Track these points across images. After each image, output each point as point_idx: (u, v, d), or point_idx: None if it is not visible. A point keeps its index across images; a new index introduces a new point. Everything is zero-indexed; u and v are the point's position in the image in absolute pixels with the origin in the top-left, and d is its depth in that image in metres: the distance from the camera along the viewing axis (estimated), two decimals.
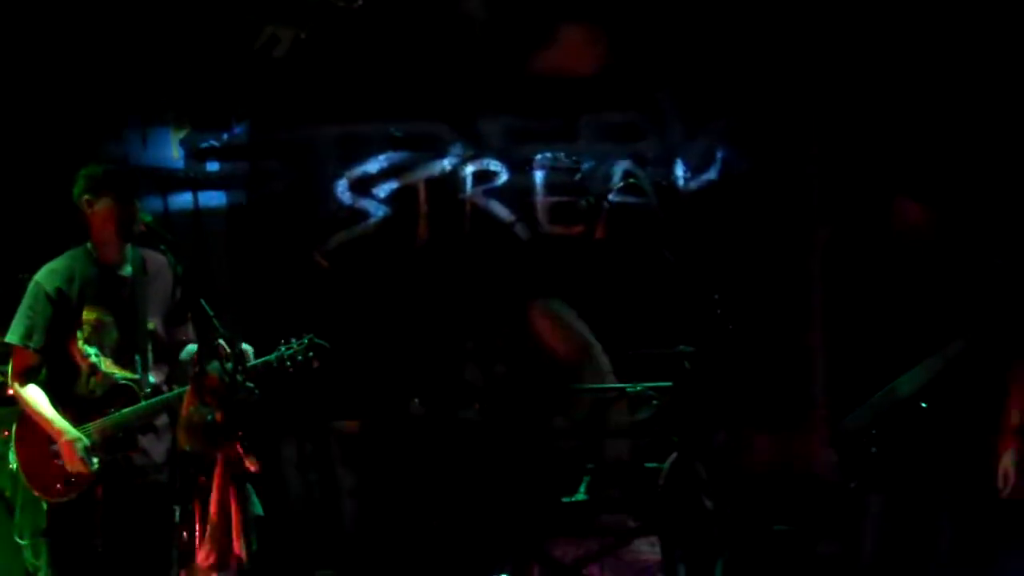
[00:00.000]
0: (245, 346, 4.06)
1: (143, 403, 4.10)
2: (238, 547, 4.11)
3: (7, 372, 4.24)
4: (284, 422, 5.23)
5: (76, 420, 4.10)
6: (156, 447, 4.18)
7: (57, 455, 4.08)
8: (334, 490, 5.54)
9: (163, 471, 4.16)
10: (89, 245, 4.16)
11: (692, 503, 4.99)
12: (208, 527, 4.09)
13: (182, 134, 5.99)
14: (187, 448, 4.13)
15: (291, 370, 4.06)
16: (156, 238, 4.11)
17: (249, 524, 4.22)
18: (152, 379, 4.17)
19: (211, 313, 3.96)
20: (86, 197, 4.10)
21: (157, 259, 4.19)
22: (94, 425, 4.09)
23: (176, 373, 4.20)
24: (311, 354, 4.06)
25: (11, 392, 4.19)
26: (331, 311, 5.63)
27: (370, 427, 5.49)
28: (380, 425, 5.45)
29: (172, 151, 6.01)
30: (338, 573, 5.16)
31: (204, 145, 6.04)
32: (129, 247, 4.16)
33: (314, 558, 5.20)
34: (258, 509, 4.27)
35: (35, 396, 4.12)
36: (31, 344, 4.10)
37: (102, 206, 4.09)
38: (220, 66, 5.82)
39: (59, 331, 4.10)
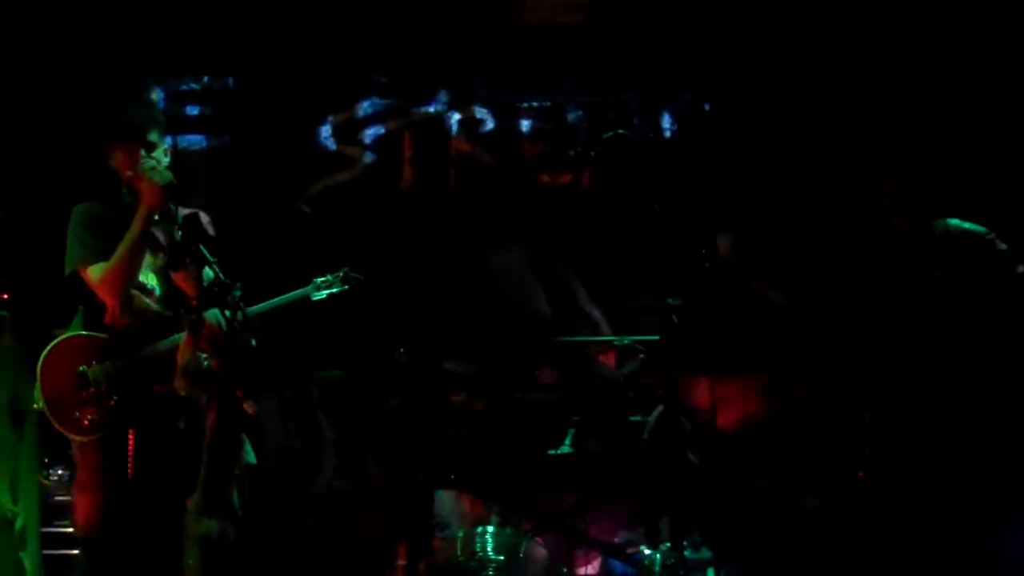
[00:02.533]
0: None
1: (174, 336, 4.08)
2: (230, 492, 4.11)
3: None
4: (268, 371, 5.18)
5: (111, 351, 4.07)
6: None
7: (83, 386, 4.05)
8: (317, 440, 5.52)
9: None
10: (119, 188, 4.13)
11: (676, 457, 5.01)
12: (201, 473, 4.08)
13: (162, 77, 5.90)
14: (183, 393, 4.11)
15: (329, 305, 4.10)
16: None
17: (241, 472, 4.21)
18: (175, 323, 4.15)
19: (210, 259, 3.93)
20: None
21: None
22: (123, 361, 4.07)
23: None
24: (346, 287, 4.10)
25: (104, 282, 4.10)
26: (314, 258, 5.57)
27: (353, 377, 5.46)
28: (364, 375, 5.42)
29: (152, 93, 5.93)
30: (320, 523, 5.15)
31: (184, 88, 5.94)
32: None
33: (297, 508, 5.19)
34: (251, 457, 4.26)
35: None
36: (93, 260, 4.07)
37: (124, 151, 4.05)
38: (203, 9, 5.72)
39: (101, 252, 4.07)
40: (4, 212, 5.15)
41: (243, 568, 4.36)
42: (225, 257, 4.53)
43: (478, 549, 4.54)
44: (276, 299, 4.25)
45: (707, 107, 6.16)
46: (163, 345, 4.13)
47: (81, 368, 4.07)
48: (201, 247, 3.94)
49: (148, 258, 4.19)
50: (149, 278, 4.18)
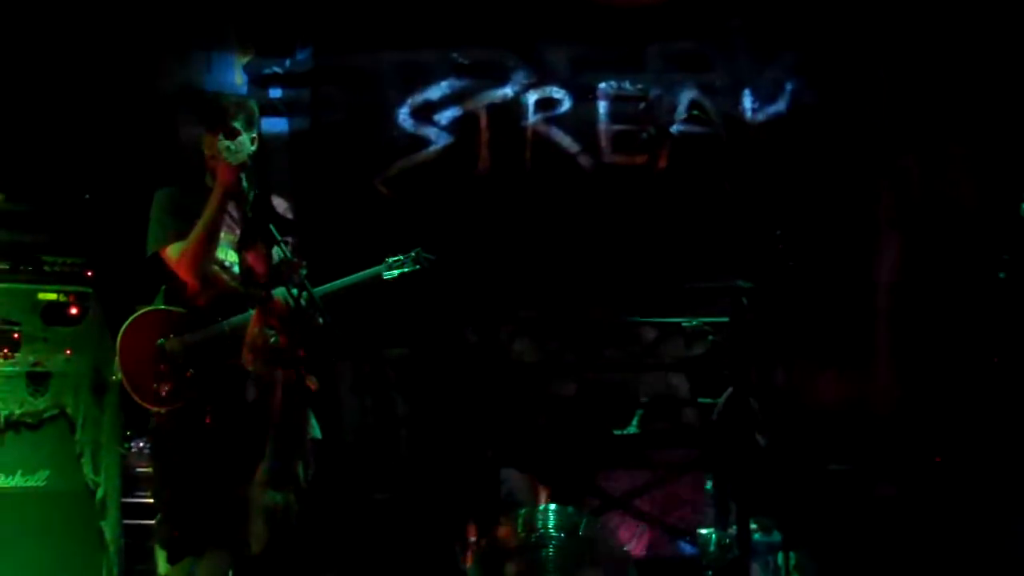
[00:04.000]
0: None
1: (251, 311, 4.18)
2: (296, 466, 4.19)
3: None
4: (342, 347, 5.27)
5: (188, 325, 4.19)
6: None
7: (160, 359, 4.17)
8: (390, 416, 5.59)
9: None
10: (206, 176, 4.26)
11: (745, 439, 4.98)
12: (268, 446, 4.17)
13: (246, 60, 6.00)
14: (250, 368, 4.21)
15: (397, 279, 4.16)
16: None
17: (307, 446, 4.29)
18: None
19: (279, 238, 4.02)
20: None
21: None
22: (202, 335, 4.18)
23: None
24: (418, 267, 4.17)
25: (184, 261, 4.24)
26: (392, 239, 5.64)
27: (424, 354, 5.52)
28: (434, 353, 5.48)
29: (236, 77, 6.03)
30: (393, 498, 5.22)
31: (267, 71, 6.04)
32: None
33: (370, 483, 5.26)
34: (316, 432, 4.35)
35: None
36: (171, 242, 4.21)
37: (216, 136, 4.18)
38: None
39: (179, 236, 4.20)
40: (89, 193, 5.32)
41: (309, 540, 4.46)
42: (304, 238, 4.65)
43: (539, 526, 4.56)
44: (348, 277, 4.32)
45: (790, 87, 6.05)
46: (237, 320, 4.24)
47: (160, 341, 4.20)
48: (271, 227, 4.04)
49: (227, 236, 4.30)
50: (228, 255, 4.28)
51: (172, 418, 4.22)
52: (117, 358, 4.27)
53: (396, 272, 4.33)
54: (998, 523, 4.64)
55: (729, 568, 4.21)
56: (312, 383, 4.12)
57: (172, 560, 4.23)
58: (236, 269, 4.31)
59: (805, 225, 5.48)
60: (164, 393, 4.19)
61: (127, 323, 4.27)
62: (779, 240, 5.04)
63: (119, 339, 4.28)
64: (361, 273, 4.33)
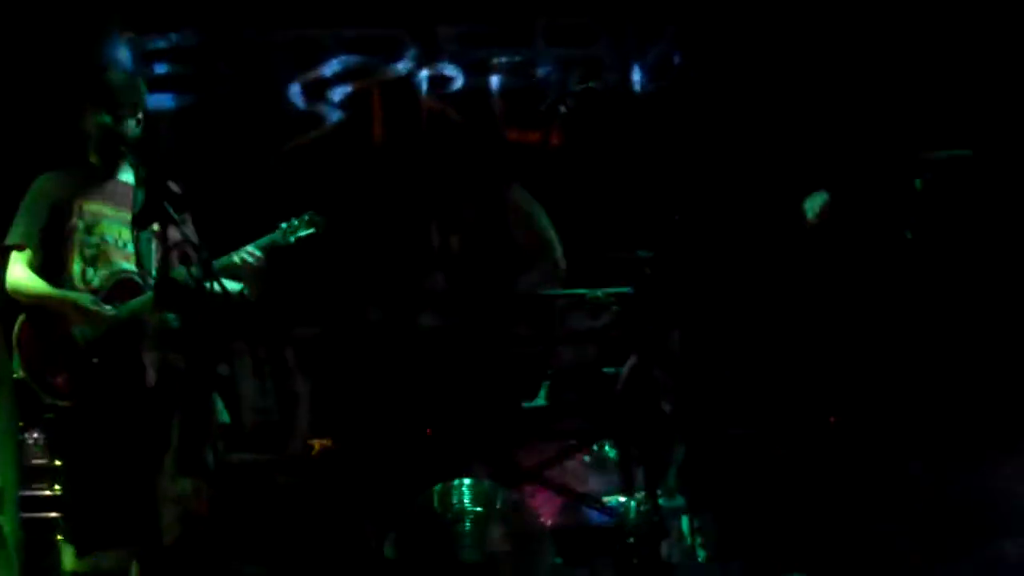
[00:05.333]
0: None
1: (147, 295, 4.09)
2: (204, 453, 4.13)
3: None
4: (241, 328, 5.19)
5: (78, 316, 4.09)
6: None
7: (62, 349, 4.07)
8: (291, 398, 5.53)
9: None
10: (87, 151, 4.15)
11: (650, 407, 5.05)
12: (173, 433, 4.10)
13: (130, 35, 5.86)
14: (151, 354, 4.12)
15: (295, 244, 4.13)
16: (116, 139, 4.11)
17: (214, 431, 4.23)
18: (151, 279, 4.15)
19: (176, 218, 3.93)
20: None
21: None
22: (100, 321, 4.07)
23: None
24: (312, 229, 4.14)
25: (11, 294, 4.15)
26: (286, 217, 5.57)
27: (328, 334, 5.47)
28: (338, 332, 5.43)
29: (120, 52, 5.89)
30: (295, 482, 5.16)
31: (152, 47, 5.90)
32: (128, 155, 4.16)
33: (274, 467, 5.20)
34: (224, 416, 4.28)
35: (32, 282, 4.11)
36: (29, 242, 4.10)
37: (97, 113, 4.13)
38: None
39: (57, 225, 4.09)
40: None
41: (220, 526, 4.39)
42: (194, 217, 4.54)
43: (455, 501, 4.58)
44: (245, 248, 4.25)
45: (677, 60, 6.15)
46: (135, 305, 4.14)
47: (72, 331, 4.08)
48: (166, 206, 3.95)
49: (119, 213, 4.19)
50: (121, 234, 4.18)
51: (72, 409, 4.12)
52: (16, 354, 4.15)
53: (292, 238, 4.30)
54: (887, 475, 4.83)
55: (650, 534, 4.28)
56: (220, 370, 4.06)
57: (81, 553, 4.13)
58: (130, 248, 4.20)
59: (700, 194, 5.59)
60: (64, 385, 4.09)
61: (23, 316, 4.14)
62: (675, 212, 5.12)
63: (16, 333, 4.15)
64: (258, 241, 4.28)
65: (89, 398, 4.09)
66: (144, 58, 5.90)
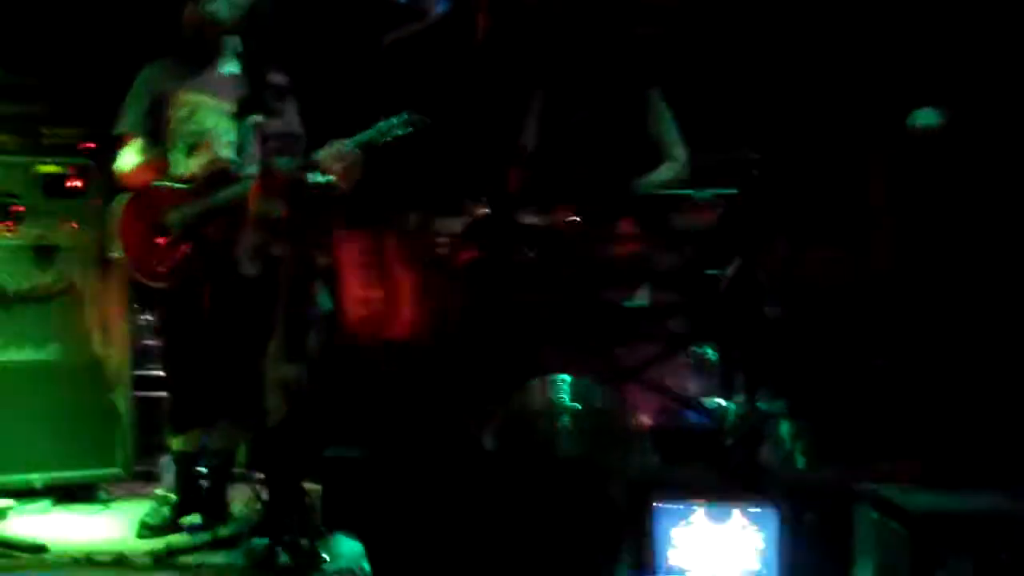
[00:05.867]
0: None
1: (244, 184, 4.16)
2: (308, 340, 4.21)
3: None
4: (349, 219, 5.22)
5: (177, 200, 4.18)
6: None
7: (161, 234, 4.17)
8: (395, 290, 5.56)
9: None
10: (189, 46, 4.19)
11: (753, 310, 4.99)
12: (277, 321, 4.18)
13: None
14: (256, 242, 4.19)
15: (391, 143, 4.14)
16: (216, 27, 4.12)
17: (317, 318, 4.30)
18: (252, 169, 4.21)
19: (276, 107, 3.96)
20: None
21: (270, 72, 4.21)
22: (197, 207, 4.16)
23: None
24: (409, 129, 4.14)
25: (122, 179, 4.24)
26: (387, 111, 5.55)
27: (427, 227, 5.46)
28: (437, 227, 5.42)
29: None
30: (405, 370, 5.20)
31: None
32: (232, 48, 4.18)
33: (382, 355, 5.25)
34: (327, 303, 4.35)
35: (136, 166, 4.21)
36: (136, 129, 4.19)
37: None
38: None
39: (159, 114, 4.17)
40: (90, 63, 5.21)
41: (323, 410, 4.49)
42: (302, 107, 4.57)
43: (554, 397, 4.60)
44: (344, 141, 4.27)
45: None
46: (229, 193, 4.19)
47: (165, 217, 4.17)
48: (268, 97, 3.97)
49: (223, 104, 4.24)
50: (220, 123, 4.23)
51: (167, 292, 4.23)
52: (117, 234, 4.26)
53: (387, 137, 4.30)
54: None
55: (748, 437, 4.26)
56: (321, 258, 4.11)
57: (177, 429, 4.26)
58: (229, 137, 4.25)
59: (812, 97, 5.41)
60: (162, 270, 4.19)
61: (126, 198, 4.24)
62: (787, 110, 4.98)
63: (119, 215, 4.26)
64: (355, 137, 4.29)
65: (182, 282, 4.18)
66: None
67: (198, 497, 4.49)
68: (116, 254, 4.33)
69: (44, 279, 4.86)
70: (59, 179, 4.94)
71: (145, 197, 4.27)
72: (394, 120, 4.26)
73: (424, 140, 5.29)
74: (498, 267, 5.19)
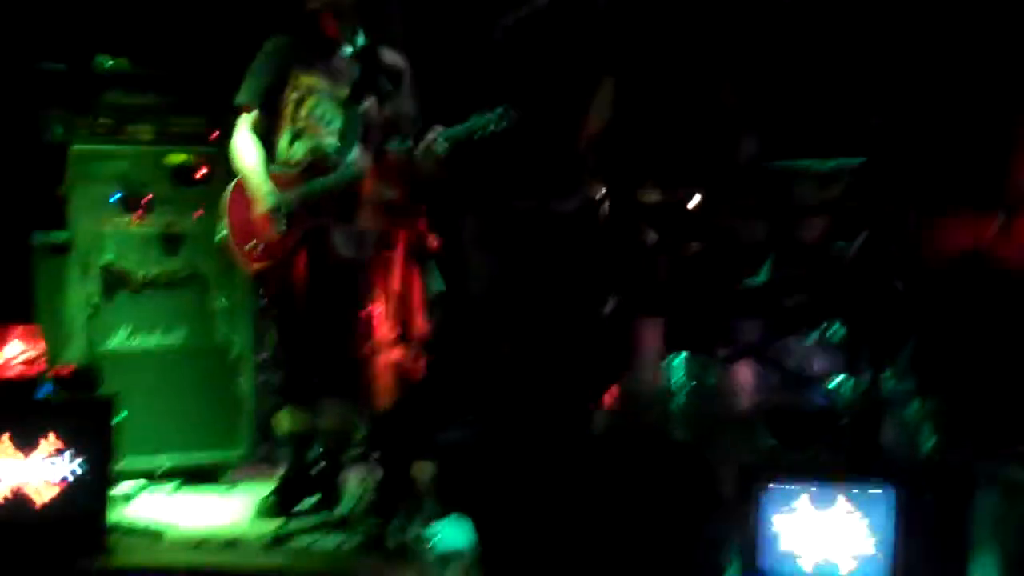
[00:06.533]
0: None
1: (345, 172, 4.18)
2: (421, 322, 4.22)
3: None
4: (465, 199, 5.22)
5: (278, 185, 4.24)
6: (349, 237, 4.26)
7: (256, 220, 4.25)
8: (516, 270, 5.54)
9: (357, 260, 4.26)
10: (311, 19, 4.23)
11: (882, 284, 4.82)
12: (390, 303, 4.21)
13: None
14: (369, 226, 4.22)
15: (484, 138, 4.09)
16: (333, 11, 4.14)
17: (432, 299, 4.32)
18: (354, 155, 4.23)
19: (390, 88, 3.97)
20: None
21: (391, 56, 4.24)
22: (295, 193, 4.21)
23: None
24: (504, 124, 4.07)
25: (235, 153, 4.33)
26: (509, 89, 5.52)
27: (549, 208, 5.41)
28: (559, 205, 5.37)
29: None
30: (520, 352, 5.19)
31: None
32: (359, 33, 4.20)
33: (497, 337, 5.24)
34: (439, 284, 4.36)
35: (251, 156, 4.28)
36: (253, 102, 4.26)
37: None
38: None
39: (277, 92, 4.23)
40: (214, 52, 5.31)
41: (438, 392, 4.51)
42: (419, 90, 4.57)
43: (670, 375, 4.53)
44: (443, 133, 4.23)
45: None
46: (330, 180, 4.20)
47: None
48: (382, 79, 3.98)
49: (337, 90, 4.26)
50: (326, 111, 4.26)
51: (275, 275, 4.27)
52: (224, 215, 4.34)
53: (480, 134, 4.20)
54: None
55: (867, 415, 4.11)
56: (434, 240, 4.11)
57: (286, 405, 4.29)
58: (337, 124, 4.26)
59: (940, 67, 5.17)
60: (258, 252, 4.25)
61: (234, 182, 4.32)
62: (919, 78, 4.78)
63: (227, 194, 4.34)
64: (448, 131, 4.21)
65: (281, 264, 4.23)
66: None
67: (313, 479, 4.56)
68: (222, 233, 4.41)
69: (171, 266, 5.01)
70: (187, 168, 5.08)
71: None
72: (489, 115, 4.18)
73: (533, 127, 5.26)
74: (625, 247, 5.12)
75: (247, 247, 4.32)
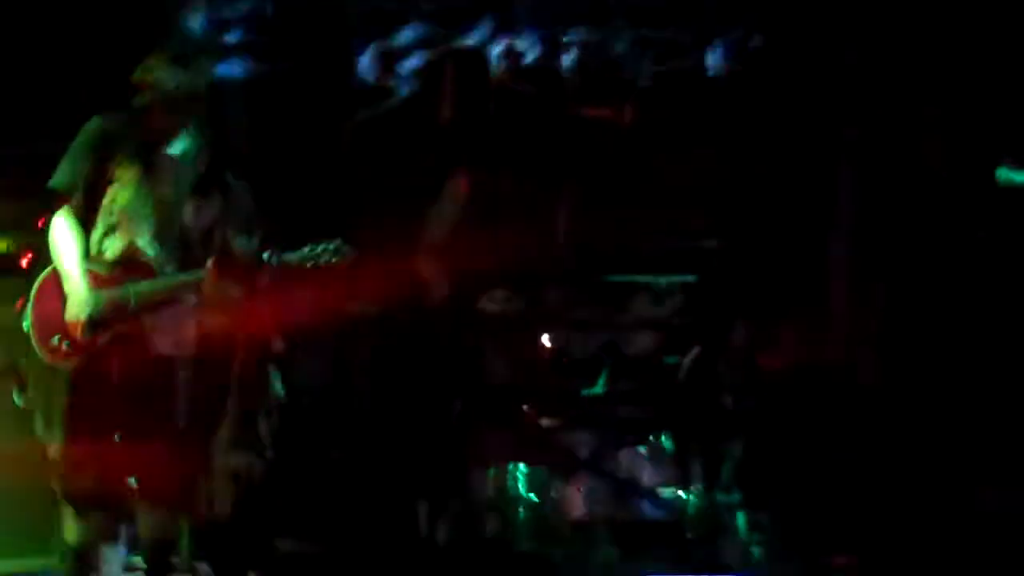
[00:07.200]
0: None
1: (162, 279, 4.00)
2: (259, 428, 4.11)
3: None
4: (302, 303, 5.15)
5: (92, 282, 4.04)
6: (171, 334, 4.08)
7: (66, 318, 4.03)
8: (347, 374, 5.48)
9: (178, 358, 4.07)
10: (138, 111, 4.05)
11: (711, 400, 4.97)
12: (231, 407, 4.08)
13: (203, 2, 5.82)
14: (211, 325, 4.09)
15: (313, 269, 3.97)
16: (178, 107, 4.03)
17: (271, 405, 4.20)
18: (168, 263, 4.05)
19: (236, 186, 3.89)
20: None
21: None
22: (107, 295, 4.01)
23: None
24: (334, 259, 3.96)
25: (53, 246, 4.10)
26: (353, 190, 5.52)
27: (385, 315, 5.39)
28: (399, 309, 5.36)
29: (194, 20, 5.86)
30: (352, 457, 5.10)
31: (226, 15, 5.87)
32: (186, 131, 4.06)
33: (328, 442, 5.15)
34: (279, 390, 4.25)
35: (69, 248, 4.05)
36: (72, 189, 4.04)
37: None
38: None
39: (93, 180, 4.03)
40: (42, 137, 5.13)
41: (273, 501, 4.37)
42: (259, 187, 4.49)
43: (510, 487, 4.53)
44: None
45: (754, 43, 6.00)
46: (146, 287, 4.02)
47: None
48: (227, 174, 3.90)
49: (158, 186, 4.08)
50: (141, 207, 4.07)
51: (84, 373, 4.05)
52: (30, 306, 4.11)
53: (317, 262, 4.09)
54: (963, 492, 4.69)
55: (709, 530, 4.20)
56: (277, 344, 4.02)
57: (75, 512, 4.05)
58: (152, 221, 4.08)
59: (767, 184, 5.44)
60: (63, 350, 4.04)
61: (44, 273, 4.11)
62: (747, 199, 5.01)
63: (38, 283, 4.12)
64: (283, 255, 4.09)
65: (89, 362, 4.03)
66: (217, 26, 5.86)
67: None
68: (24, 324, 4.17)
69: None
70: (8, 258, 4.83)
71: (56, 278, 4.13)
72: (326, 246, 4.07)
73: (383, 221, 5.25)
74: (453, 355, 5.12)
75: (52, 341, 4.07)
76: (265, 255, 3.89)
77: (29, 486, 4.67)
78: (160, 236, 4.03)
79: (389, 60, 5.92)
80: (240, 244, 3.96)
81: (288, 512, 4.45)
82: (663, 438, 5.05)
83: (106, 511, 4.04)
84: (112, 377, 3.97)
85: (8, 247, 4.81)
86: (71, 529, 4.10)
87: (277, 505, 4.34)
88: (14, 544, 4.67)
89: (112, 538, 4.09)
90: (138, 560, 4.34)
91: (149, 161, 4.06)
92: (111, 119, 4.10)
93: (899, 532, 4.79)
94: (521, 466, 4.59)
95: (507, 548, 4.35)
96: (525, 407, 4.94)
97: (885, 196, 5.44)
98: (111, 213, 4.04)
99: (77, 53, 5.37)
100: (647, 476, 5.05)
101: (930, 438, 5.00)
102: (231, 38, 5.88)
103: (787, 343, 5.38)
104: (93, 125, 4.09)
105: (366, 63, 5.91)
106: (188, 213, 4.04)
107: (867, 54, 5.72)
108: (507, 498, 4.49)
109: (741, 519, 4.82)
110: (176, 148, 4.07)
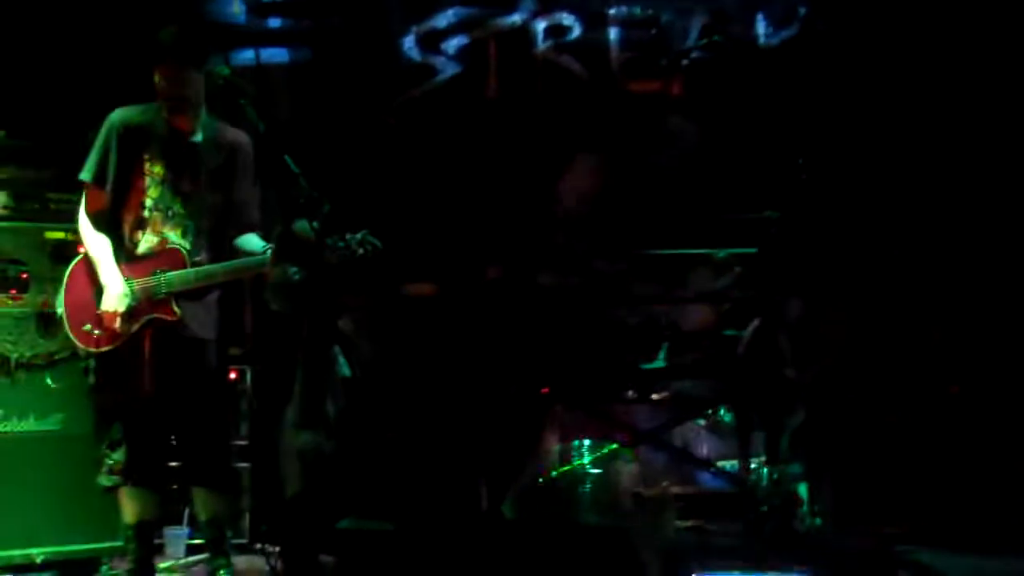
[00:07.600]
0: None
1: (190, 270, 4.01)
2: (325, 407, 4.10)
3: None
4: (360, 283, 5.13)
5: (124, 274, 4.05)
6: (203, 320, 4.08)
7: (99, 302, 4.04)
8: (409, 354, 5.46)
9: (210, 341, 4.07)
10: (160, 103, 4.06)
11: (772, 373, 4.92)
12: (298, 387, 4.07)
13: None
14: (275, 308, 4.08)
15: (336, 261, 3.95)
16: (235, 93, 4.00)
17: (336, 384, 4.19)
18: (198, 252, 4.06)
19: (296, 171, 3.87)
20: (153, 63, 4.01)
21: (234, 135, 4.10)
22: (138, 283, 4.03)
23: (223, 257, 4.08)
24: (361, 251, 3.93)
25: (83, 238, 4.13)
26: (400, 171, 5.51)
27: (445, 292, 5.38)
28: (457, 288, 5.35)
29: (234, 6, 5.84)
30: (413, 437, 5.09)
31: (266, 0, 5.86)
32: (204, 115, 4.06)
33: (390, 422, 5.14)
34: (345, 370, 4.24)
35: (100, 241, 4.08)
36: (104, 183, 4.06)
37: (160, 73, 3.99)
38: None
39: (123, 175, 4.04)
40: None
41: (340, 479, 4.37)
42: (311, 171, 4.47)
43: (575, 462, 4.51)
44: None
45: (803, 11, 5.93)
46: (174, 276, 4.03)
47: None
48: (287, 158, 3.88)
49: (184, 178, 4.07)
50: (172, 202, 4.08)
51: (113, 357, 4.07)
52: (61, 292, 4.14)
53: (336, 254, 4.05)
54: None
55: (784, 503, 4.16)
56: (341, 323, 4.00)
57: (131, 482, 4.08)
58: (182, 215, 4.08)
59: (826, 151, 5.38)
60: (95, 337, 4.05)
61: (75, 260, 4.14)
62: (802, 169, 4.94)
63: (69, 269, 4.14)
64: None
65: (121, 348, 4.05)
66: (258, 11, 5.85)
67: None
68: (58, 311, 4.19)
69: (48, 347, 4.74)
70: (66, 246, 4.83)
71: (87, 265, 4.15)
72: (348, 239, 4.04)
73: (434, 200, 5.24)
74: (516, 330, 5.10)
75: (84, 327, 4.08)
76: (329, 239, 3.88)
77: (93, 471, 4.69)
78: (190, 227, 4.05)
79: (433, 40, 5.91)
80: (301, 227, 3.95)
81: (354, 491, 4.44)
82: (722, 411, 5.01)
83: (159, 493, 4.07)
84: (146, 361, 3.99)
85: (66, 235, 4.81)
86: (129, 511, 4.13)
87: (343, 484, 4.32)
88: (80, 528, 4.68)
89: (173, 519, 4.11)
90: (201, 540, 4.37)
91: (175, 152, 4.07)
92: (134, 111, 4.11)
93: (957, 502, 4.74)
94: (585, 440, 4.55)
95: (572, 523, 4.32)
96: (587, 382, 4.91)
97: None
98: (141, 206, 4.06)
99: (126, 44, 5.38)
100: (707, 449, 5.01)
101: (989, 408, 4.95)
102: (272, 24, 5.88)
103: (845, 317, 5.34)
104: (116, 117, 4.11)
105: (409, 44, 5.89)
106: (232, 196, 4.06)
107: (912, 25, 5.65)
108: (571, 473, 4.46)
109: (803, 490, 4.78)
110: (199, 136, 4.08)
